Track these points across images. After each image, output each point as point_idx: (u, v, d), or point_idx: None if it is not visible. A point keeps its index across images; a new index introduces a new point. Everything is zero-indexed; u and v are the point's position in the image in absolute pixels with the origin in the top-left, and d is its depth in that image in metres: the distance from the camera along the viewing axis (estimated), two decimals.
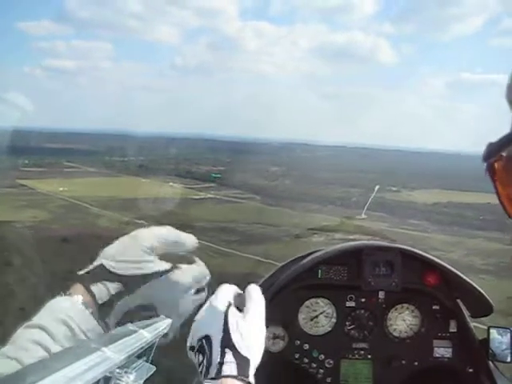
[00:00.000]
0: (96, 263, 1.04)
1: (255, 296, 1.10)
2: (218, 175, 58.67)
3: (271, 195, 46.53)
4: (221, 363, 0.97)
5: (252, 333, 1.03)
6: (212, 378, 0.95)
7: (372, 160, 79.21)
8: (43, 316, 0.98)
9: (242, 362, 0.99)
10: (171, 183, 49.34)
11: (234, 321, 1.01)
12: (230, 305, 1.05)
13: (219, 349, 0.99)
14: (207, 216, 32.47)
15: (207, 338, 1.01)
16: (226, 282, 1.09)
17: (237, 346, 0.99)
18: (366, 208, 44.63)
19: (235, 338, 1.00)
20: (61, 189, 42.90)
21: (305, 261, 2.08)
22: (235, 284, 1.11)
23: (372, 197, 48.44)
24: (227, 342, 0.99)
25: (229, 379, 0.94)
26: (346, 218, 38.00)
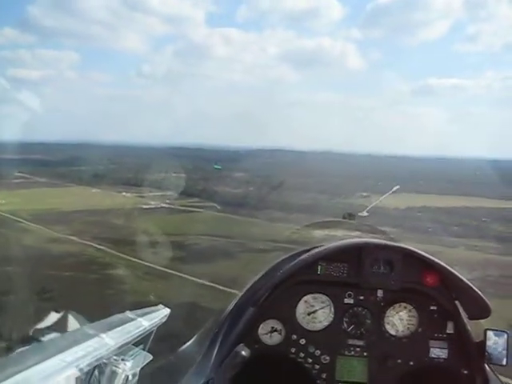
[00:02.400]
0: None
1: None
2: (219, 167, 56.10)
3: (232, 203, 42.53)
4: None
5: None
6: None
7: (341, 165, 75.94)
8: None
9: None
10: (124, 193, 46.17)
11: None
12: None
13: None
14: (152, 228, 28.03)
15: None
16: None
17: None
18: (370, 206, 40.69)
19: None
20: None
21: (305, 256, 2.14)
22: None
23: (385, 196, 44.89)
24: None
25: None
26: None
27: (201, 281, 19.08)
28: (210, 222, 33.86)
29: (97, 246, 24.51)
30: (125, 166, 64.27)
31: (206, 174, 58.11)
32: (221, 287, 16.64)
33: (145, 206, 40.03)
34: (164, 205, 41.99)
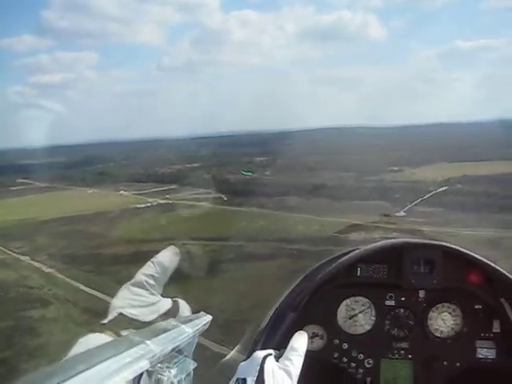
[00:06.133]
0: (114, 313, 1.05)
1: (296, 345, 1.15)
2: (249, 173, 50.12)
3: (241, 192, 36.46)
4: None
5: (285, 380, 1.06)
6: None
7: (369, 139, 70.20)
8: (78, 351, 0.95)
9: None
10: (122, 191, 41.06)
11: (269, 367, 1.05)
12: (269, 354, 1.08)
13: None
14: (131, 234, 22.22)
15: (244, 380, 1.03)
16: None
17: None
18: (409, 205, 34.31)
19: (268, 381, 1.02)
20: None
21: (343, 259, 2.01)
22: None
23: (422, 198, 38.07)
24: None
25: None
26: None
27: None
28: (205, 219, 27.73)
29: (44, 269, 19.11)
30: (137, 162, 61.24)
31: (220, 161, 54.77)
32: None
33: (138, 205, 34.55)
34: (161, 201, 36.44)
